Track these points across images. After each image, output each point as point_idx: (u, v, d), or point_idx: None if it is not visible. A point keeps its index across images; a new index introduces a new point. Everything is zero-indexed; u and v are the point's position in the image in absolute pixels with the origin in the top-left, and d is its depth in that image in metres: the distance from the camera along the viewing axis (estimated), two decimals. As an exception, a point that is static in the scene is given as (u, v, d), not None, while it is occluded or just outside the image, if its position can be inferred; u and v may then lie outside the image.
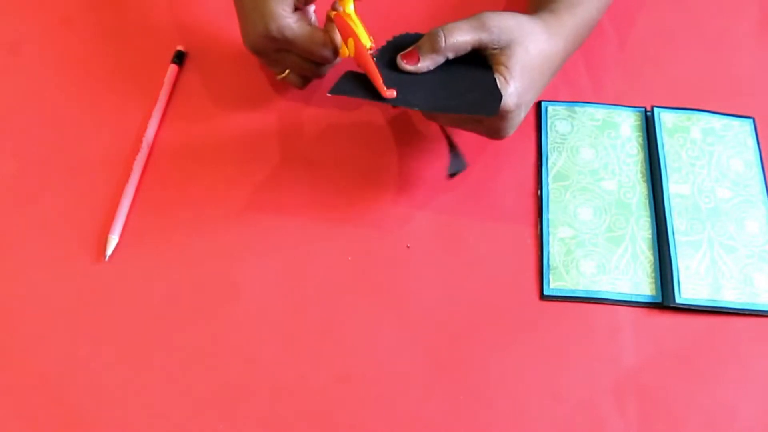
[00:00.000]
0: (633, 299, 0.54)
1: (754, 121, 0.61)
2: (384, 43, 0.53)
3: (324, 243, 0.56)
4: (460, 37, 0.50)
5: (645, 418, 0.50)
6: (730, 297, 0.53)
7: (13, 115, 0.63)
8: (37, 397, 0.50)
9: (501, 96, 0.49)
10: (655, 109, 0.62)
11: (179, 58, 0.65)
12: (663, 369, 0.51)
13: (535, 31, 0.52)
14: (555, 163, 0.59)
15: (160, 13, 0.69)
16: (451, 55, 0.51)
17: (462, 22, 0.51)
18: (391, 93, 0.50)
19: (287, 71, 0.59)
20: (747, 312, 0.53)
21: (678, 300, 0.53)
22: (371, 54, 0.52)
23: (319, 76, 0.60)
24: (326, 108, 0.62)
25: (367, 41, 0.53)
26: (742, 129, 0.61)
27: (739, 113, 0.62)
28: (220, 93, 0.63)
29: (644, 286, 0.54)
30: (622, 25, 0.67)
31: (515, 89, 0.50)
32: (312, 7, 0.58)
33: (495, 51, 0.51)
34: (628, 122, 0.62)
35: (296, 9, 0.55)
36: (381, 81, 0.50)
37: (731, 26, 0.68)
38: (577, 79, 0.64)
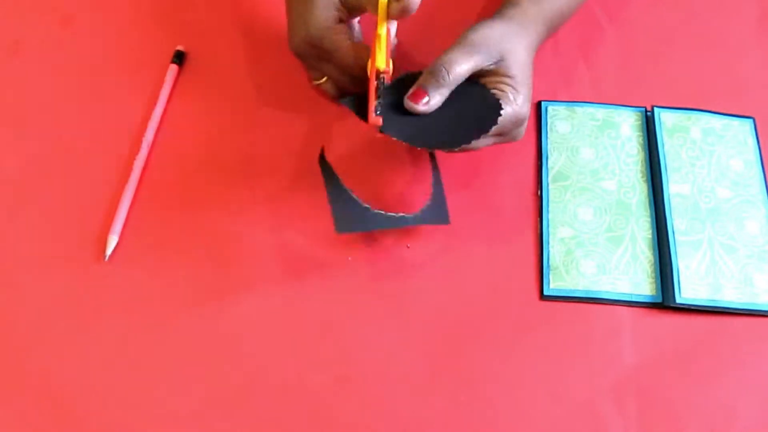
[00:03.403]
0: (633, 299, 0.54)
1: (754, 121, 0.61)
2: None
3: (324, 243, 0.56)
4: (459, 67, 0.51)
5: (645, 418, 0.50)
6: (730, 297, 0.53)
7: (13, 115, 0.63)
8: (36, 397, 0.50)
9: (500, 106, 0.50)
10: (655, 109, 0.62)
11: (179, 58, 0.65)
12: (663, 369, 0.51)
13: (513, 31, 0.53)
14: (555, 163, 0.59)
15: (160, 13, 0.69)
16: (453, 87, 0.51)
17: (455, 52, 0.51)
18: (377, 120, 0.50)
19: (324, 78, 0.59)
20: (747, 312, 0.53)
21: (678, 300, 0.53)
22: (382, 79, 0.52)
23: (355, 91, 0.59)
24: (326, 110, 0.62)
25: (382, 64, 0.52)
26: (742, 129, 0.61)
27: (739, 113, 0.62)
28: (220, 93, 0.63)
29: (644, 286, 0.54)
30: (622, 26, 0.67)
31: (525, 95, 0.51)
32: (356, 20, 0.58)
33: (491, 67, 0.52)
34: (628, 122, 0.61)
35: (341, 21, 0.55)
36: (373, 106, 0.51)
37: (731, 26, 0.68)
38: (577, 79, 0.64)
